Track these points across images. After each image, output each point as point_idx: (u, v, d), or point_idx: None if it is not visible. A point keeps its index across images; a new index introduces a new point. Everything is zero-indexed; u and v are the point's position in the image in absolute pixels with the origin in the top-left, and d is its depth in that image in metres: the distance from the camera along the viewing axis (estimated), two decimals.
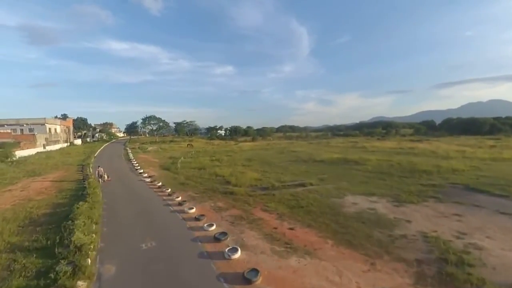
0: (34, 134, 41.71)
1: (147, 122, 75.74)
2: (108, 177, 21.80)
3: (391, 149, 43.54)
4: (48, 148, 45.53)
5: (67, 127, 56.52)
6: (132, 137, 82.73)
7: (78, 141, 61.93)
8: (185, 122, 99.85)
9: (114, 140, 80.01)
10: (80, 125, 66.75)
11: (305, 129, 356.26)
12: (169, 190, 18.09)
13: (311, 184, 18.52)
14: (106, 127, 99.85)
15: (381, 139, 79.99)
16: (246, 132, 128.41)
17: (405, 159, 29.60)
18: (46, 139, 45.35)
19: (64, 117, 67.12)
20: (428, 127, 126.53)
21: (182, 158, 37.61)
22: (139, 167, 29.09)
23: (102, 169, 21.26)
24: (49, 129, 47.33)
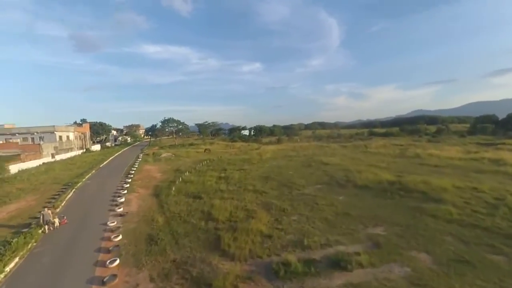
0: (39, 144, 38.96)
1: (166, 124, 72.12)
2: (61, 221, 15.67)
3: (461, 160, 31.98)
4: (58, 157, 42.82)
5: (82, 133, 54.53)
6: (154, 139, 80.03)
7: (97, 147, 60.07)
8: (207, 122, 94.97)
9: (137, 143, 77.85)
10: (98, 129, 65.43)
11: (335, 125, 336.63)
12: (116, 262, 11.11)
13: (361, 266, 9.92)
14: (132, 129, 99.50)
15: (433, 140, 65.59)
16: (271, 132, 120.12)
17: (502, 187, 19.09)
18: (55, 148, 42.69)
19: (83, 121, 66.37)
20: (481, 122, 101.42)
21: (186, 173, 31.09)
22: (125, 192, 23.01)
23: (50, 211, 15.16)
24: (60, 137, 44.85)
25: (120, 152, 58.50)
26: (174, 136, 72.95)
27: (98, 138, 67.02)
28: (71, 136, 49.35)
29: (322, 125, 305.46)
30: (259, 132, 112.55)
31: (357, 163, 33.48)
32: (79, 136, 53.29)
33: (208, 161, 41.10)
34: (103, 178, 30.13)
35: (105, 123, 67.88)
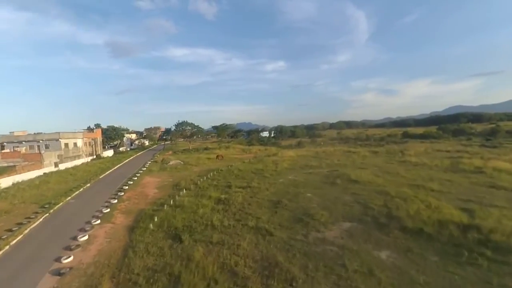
0: (40, 153, 36.92)
1: (179, 128, 68.95)
2: None
3: None
4: (63, 166, 40.74)
5: (93, 139, 52.90)
6: (169, 143, 77.54)
7: (109, 153, 58.43)
8: (224, 124, 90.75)
9: (154, 147, 75.85)
10: (111, 134, 64.03)
11: (362, 124, 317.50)
12: None
13: None
14: (150, 132, 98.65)
15: (488, 145, 53.79)
16: (292, 133, 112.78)
17: None
18: (59, 156, 40.68)
19: (97, 126, 65.51)
20: None
21: (184, 190, 26.06)
22: (98, 222, 18.46)
23: None
24: (66, 144, 42.96)
25: (130, 158, 55.99)
26: (189, 140, 69.51)
27: (112, 143, 66.05)
28: (79, 142, 47.61)
29: (348, 124, 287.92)
30: (280, 133, 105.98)
31: (397, 180, 25.83)
32: (89, 142, 51.69)
33: (216, 172, 35.93)
34: (90, 196, 26.27)
35: (118, 127, 66.60)
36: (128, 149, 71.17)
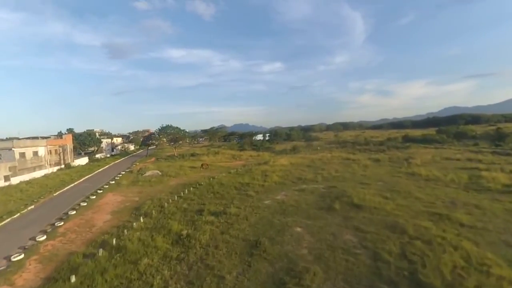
0: None
1: (163, 132, 63.19)
2: None
3: None
4: (18, 179, 34.92)
5: (60, 146, 46.90)
6: (153, 148, 71.42)
7: (83, 160, 52.29)
8: (213, 128, 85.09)
9: (139, 152, 69.84)
10: (86, 140, 57.73)
11: (359, 125, 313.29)
12: None
13: None
14: (138, 136, 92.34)
15: (500, 152, 48.64)
16: (288, 136, 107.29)
17: None
18: (12, 167, 34.77)
19: (70, 131, 59.64)
20: None
21: (141, 218, 20.41)
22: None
23: None
24: (22, 154, 36.99)
25: (105, 167, 50.02)
26: (174, 145, 63.44)
27: (88, 150, 59.91)
28: (41, 151, 41.61)
29: (345, 125, 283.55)
30: (274, 136, 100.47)
31: (411, 206, 20.34)
32: (55, 150, 45.67)
33: (193, 188, 30.31)
34: (19, 226, 20.51)
35: (94, 132, 60.73)
36: (108, 155, 65.13)
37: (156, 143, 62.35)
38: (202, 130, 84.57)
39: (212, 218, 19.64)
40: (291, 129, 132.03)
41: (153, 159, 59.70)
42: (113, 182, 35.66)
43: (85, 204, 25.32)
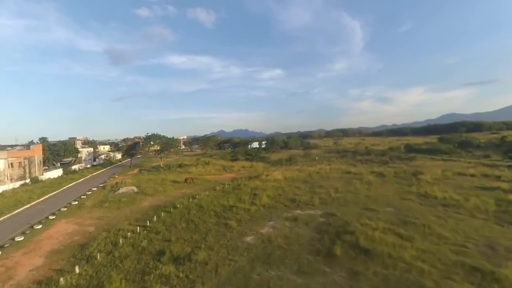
0: None
1: (148, 141, 58.25)
2: None
3: None
4: None
5: (26, 158, 41.71)
6: (139, 157, 66.11)
7: (56, 173, 46.91)
8: (207, 135, 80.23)
9: (125, 161, 64.59)
10: (60, 150, 52.41)
11: (359, 132, 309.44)
12: None
13: None
14: (127, 143, 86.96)
15: None
16: (286, 144, 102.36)
17: None
18: None
19: (43, 140, 54.64)
20: None
21: (76, 268, 15.27)
22: None
23: None
24: None
25: (78, 181, 44.81)
26: (160, 156, 58.19)
27: (64, 160, 54.65)
28: (0, 164, 36.55)
29: (345, 132, 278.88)
30: (271, 144, 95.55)
31: (436, 250, 15.31)
32: (19, 162, 40.53)
33: (165, 213, 25.22)
34: None
35: (72, 141, 55.67)
36: (89, 166, 59.92)
37: (142, 151, 57.17)
38: (194, 138, 79.64)
39: (171, 268, 14.53)
40: (289, 136, 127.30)
41: (136, 170, 54.56)
42: (76, 202, 30.48)
43: (22, 238, 20.14)
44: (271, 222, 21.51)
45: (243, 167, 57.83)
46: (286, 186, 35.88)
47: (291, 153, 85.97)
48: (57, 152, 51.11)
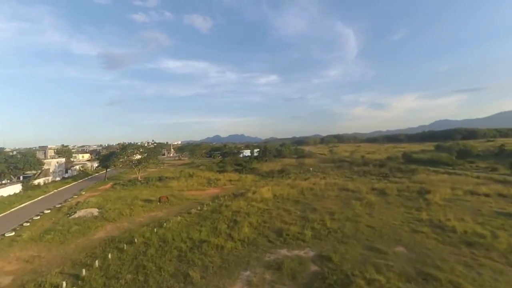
0: None
1: (124, 152, 52.32)
2: None
3: None
4: None
5: None
6: (111, 169, 59.76)
7: (11, 189, 40.14)
8: (193, 142, 74.32)
9: (102, 173, 58.36)
10: (18, 163, 45.50)
11: (354, 138, 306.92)
12: None
13: None
14: (108, 152, 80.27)
15: None
16: (279, 153, 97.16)
17: None
18: None
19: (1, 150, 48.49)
20: None
21: None
22: None
23: None
24: None
25: (35, 200, 38.71)
26: (138, 168, 51.94)
27: (27, 173, 48.25)
28: None
29: (340, 138, 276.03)
30: (264, 153, 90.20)
31: None
32: None
33: (113, 254, 19.56)
34: None
35: (31, 152, 49.56)
36: (58, 178, 53.56)
37: (117, 162, 51.15)
38: (179, 147, 73.86)
39: None
40: (282, 144, 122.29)
41: (109, 184, 48.49)
42: (12, 233, 24.53)
43: None
44: (247, 273, 16.07)
45: (230, 180, 52.31)
46: (274, 208, 30.53)
47: (284, 163, 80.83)
48: (15, 165, 44.66)
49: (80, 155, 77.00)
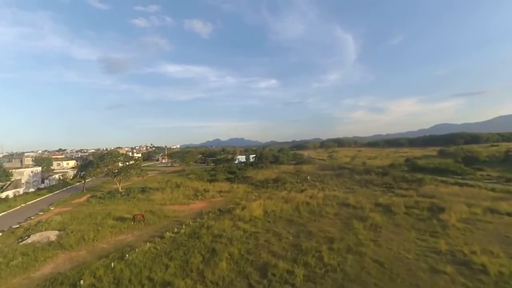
0: None
1: (102, 161, 47.68)
2: None
3: None
4: None
5: None
6: (89, 180, 54.99)
7: None
8: (183, 145, 69.75)
9: (82, 182, 53.78)
10: None
11: (354, 142, 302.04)
12: None
13: None
14: (94, 158, 74.87)
15: None
16: (276, 159, 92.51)
17: None
18: None
19: None
20: None
21: None
22: None
23: None
24: None
25: None
26: (118, 178, 47.11)
27: None
28: None
29: (340, 142, 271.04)
30: (260, 159, 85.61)
31: None
32: None
33: None
34: None
35: (0, 161, 45.36)
36: (32, 190, 48.96)
37: (93, 173, 46.38)
38: (168, 154, 69.34)
39: None
40: (281, 149, 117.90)
41: (85, 197, 43.87)
42: None
43: None
44: None
45: (220, 191, 47.70)
46: (263, 231, 25.93)
47: (281, 170, 76.24)
48: None
49: (65, 162, 72.19)
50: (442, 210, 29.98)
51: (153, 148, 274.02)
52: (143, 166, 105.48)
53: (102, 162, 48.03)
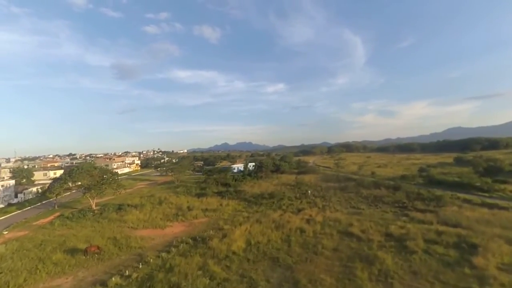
0: None
1: (77, 173, 42.37)
2: None
3: None
4: None
5: None
6: (67, 194, 49.54)
7: None
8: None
9: (66, 194, 49.00)
10: None
11: (364, 147, 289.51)
12: None
13: None
14: (84, 164, 68.65)
15: None
16: (277, 167, 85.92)
17: None
18: None
19: None
20: None
21: None
22: None
23: None
24: None
25: None
26: (90, 195, 41.14)
27: None
28: None
29: (349, 147, 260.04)
30: (259, 168, 79.35)
31: None
32: None
33: None
34: None
35: None
36: (2, 205, 44.51)
37: (63, 189, 41.18)
38: (155, 163, 64.50)
39: None
40: (283, 157, 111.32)
41: (52, 216, 38.90)
42: None
43: None
44: None
45: (206, 209, 41.85)
46: (236, 278, 19.79)
47: (281, 181, 69.79)
48: None
49: (52, 172, 68.39)
50: (474, 248, 22.99)
51: (160, 153, 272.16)
52: (137, 175, 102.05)
53: (70, 177, 43.22)
